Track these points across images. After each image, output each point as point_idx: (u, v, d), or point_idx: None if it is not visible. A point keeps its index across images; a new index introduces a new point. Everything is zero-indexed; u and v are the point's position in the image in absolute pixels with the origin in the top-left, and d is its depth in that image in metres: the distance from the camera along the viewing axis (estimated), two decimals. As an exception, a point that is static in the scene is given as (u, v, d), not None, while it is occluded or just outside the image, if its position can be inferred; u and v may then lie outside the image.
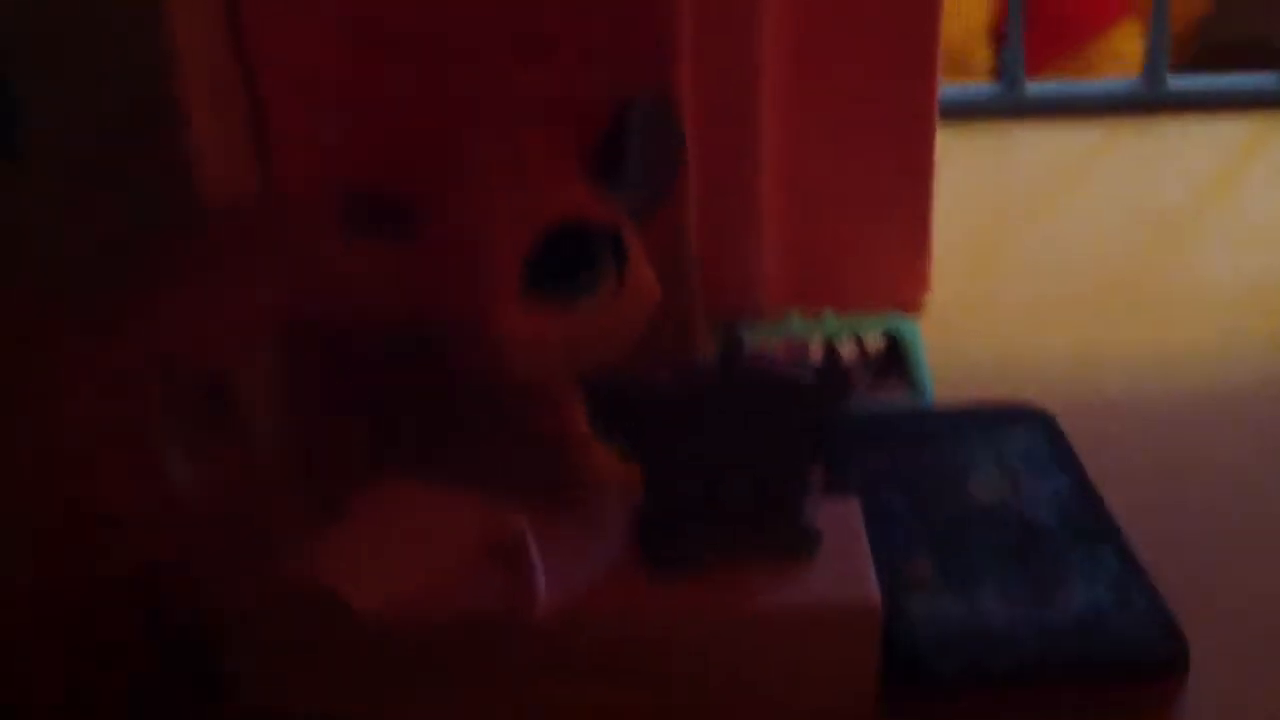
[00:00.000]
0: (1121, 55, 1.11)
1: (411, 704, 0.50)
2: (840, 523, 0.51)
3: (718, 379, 0.50)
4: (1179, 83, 0.96)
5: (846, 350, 0.68)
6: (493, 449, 0.55)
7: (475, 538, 0.51)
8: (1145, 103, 0.96)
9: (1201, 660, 0.51)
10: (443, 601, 0.49)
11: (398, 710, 0.50)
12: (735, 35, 0.65)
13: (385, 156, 0.56)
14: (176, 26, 0.46)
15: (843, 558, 0.50)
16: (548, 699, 0.49)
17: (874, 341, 0.70)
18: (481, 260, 0.52)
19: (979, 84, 0.98)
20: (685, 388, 0.50)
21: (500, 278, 0.52)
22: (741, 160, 0.67)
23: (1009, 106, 0.95)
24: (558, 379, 0.55)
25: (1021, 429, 0.62)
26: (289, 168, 0.53)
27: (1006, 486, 0.58)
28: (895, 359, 0.69)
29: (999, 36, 1.07)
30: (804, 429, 0.49)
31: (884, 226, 0.73)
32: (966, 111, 0.93)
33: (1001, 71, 0.95)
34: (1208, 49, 1.10)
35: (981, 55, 1.08)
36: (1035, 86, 0.96)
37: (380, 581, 0.49)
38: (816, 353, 0.66)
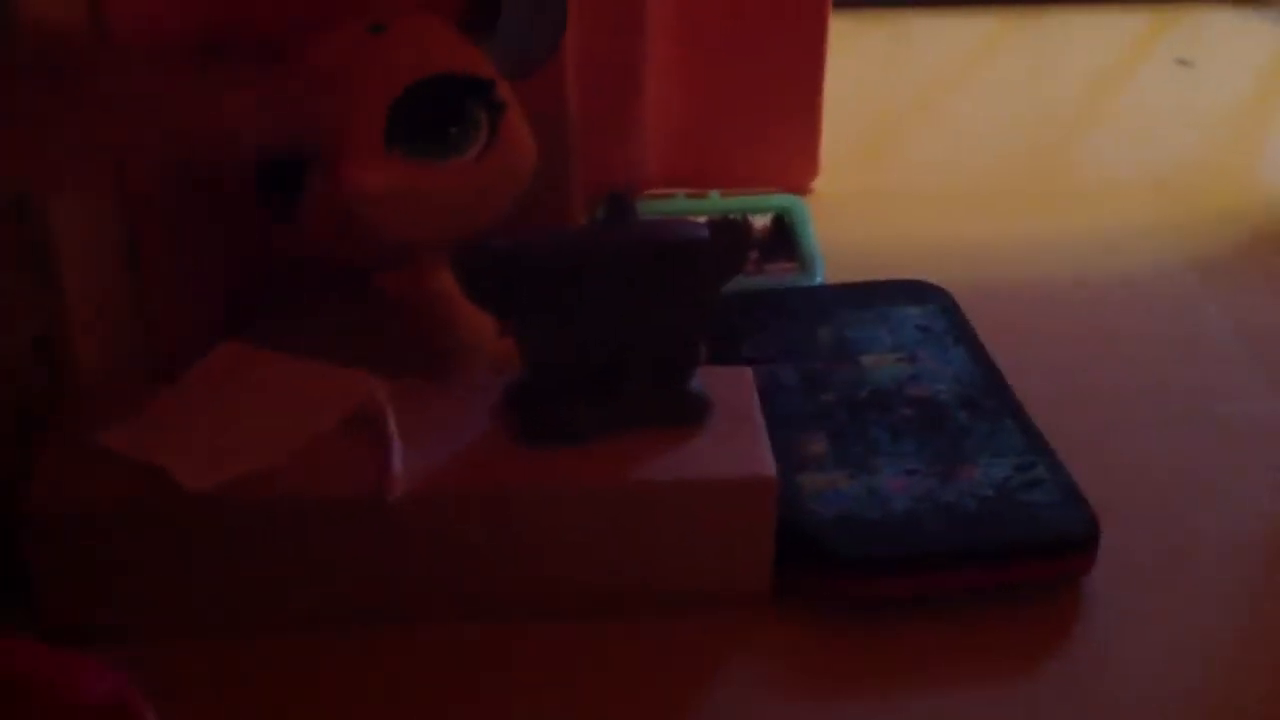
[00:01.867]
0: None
1: (265, 593, 0.45)
2: (732, 391, 0.47)
3: (604, 238, 0.46)
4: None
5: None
6: (354, 313, 0.51)
7: (329, 408, 0.46)
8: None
9: (1107, 532, 0.48)
10: (292, 479, 0.44)
11: (253, 605, 0.45)
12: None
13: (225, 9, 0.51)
14: None
15: (735, 427, 0.46)
16: (416, 585, 0.45)
17: (760, 221, 0.66)
18: (337, 113, 0.48)
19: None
20: (565, 251, 0.46)
21: (357, 130, 0.48)
22: (626, 30, 0.63)
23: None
24: (425, 240, 0.50)
25: (917, 306, 0.58)
26: (121, 12, 0.48)
27: (903, 362, 0.55)
28: (782, 238, 0.65)
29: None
30: (698, 291, 0.45)
31: (773, 108, 0.69)
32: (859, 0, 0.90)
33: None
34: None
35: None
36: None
37: (216, 457, 0.43)
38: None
